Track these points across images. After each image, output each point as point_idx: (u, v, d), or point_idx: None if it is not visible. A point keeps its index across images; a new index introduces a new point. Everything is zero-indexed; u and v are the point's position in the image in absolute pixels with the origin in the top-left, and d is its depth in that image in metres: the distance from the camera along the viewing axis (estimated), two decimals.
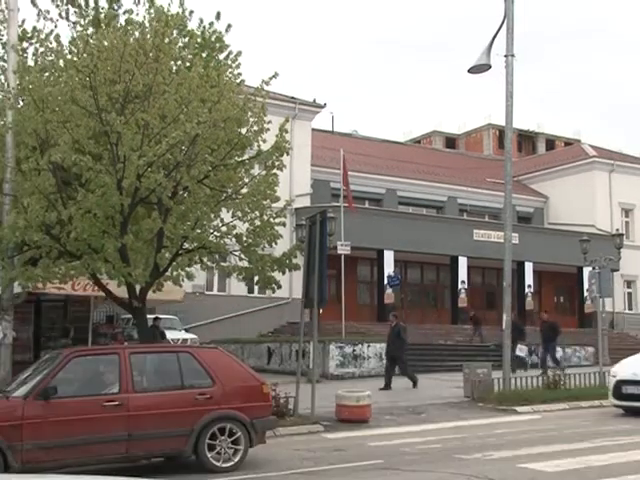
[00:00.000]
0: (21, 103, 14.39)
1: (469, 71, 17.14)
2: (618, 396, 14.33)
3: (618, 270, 33.87)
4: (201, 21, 14.75)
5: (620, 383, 14.33)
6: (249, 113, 14.04)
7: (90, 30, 14.12)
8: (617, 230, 35.38)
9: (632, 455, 9.61)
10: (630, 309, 41.73)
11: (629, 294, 42.32)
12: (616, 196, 41.97)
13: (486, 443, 11.10)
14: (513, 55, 17.02)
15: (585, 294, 35.28)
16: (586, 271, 30.42)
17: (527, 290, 36.81)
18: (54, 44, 13.79)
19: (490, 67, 16.73)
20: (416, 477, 8.89)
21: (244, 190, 14.32)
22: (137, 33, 13.49)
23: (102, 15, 14.21)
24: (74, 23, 14.15)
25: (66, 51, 13.84)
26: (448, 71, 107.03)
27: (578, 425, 12.92)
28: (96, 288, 15.74)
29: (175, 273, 14.62)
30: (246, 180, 14.45)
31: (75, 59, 13.38)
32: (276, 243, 14.97)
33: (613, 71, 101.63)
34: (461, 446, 10.92)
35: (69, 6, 14.10)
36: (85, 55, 12.85)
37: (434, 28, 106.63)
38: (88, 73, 12.54)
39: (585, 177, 42.28)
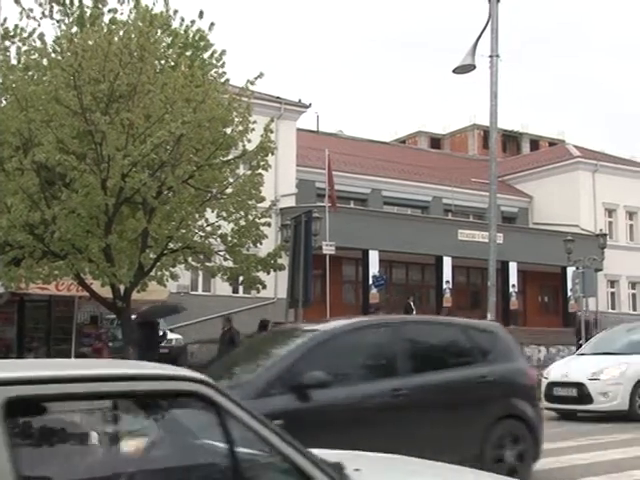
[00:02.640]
0: (4, 102, 14.32)
1: (454, 71, 17.18)
2: (549, 398, 13.88)
3: (601, 270, 34.12)
4: (182, 20, 14.74)
5: (551, 385, 13.94)
6: (234, 113, 14.05)
7: (74, 29, 14.07)
8: (601, 230, 35.61)
9: (612, 454, 9.67)
10: (613, 308, 41.99)
11: (612, 294, 42.59)
12: (600, 196, 42.22)
13: None
14: (498, 55, 17.07)
15: (569, 294, 35.47)
16: (570, 271, 30.61)
17: (511, 290, 36.94)
18: (38, 43, 13.73)
19: (475, 67, 16.78)
20: None
21: (229, 190, 14.32)
22: (121, 32, 13.46)
23: (87, 14, 14.16)
24: (58, 22, 14.11)
25: (50, 50, 13.79)
26: (433, 71, 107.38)
27: (561, 424, 12.99)
28: (80, 288, 15.69)
29: (159, 273, 14.59)
30: (231, 180, 14.46)
31: (59, 58, 13.34)
32: (261, 243, 14.98)
33: (596, 71, 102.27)
34: None
35: (53, 4, 14.03)
36: (69, 54, 12.81)
37: (419, 28, 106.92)
38: (72, 72, 12.50)
39: (569, 177, 42.50)
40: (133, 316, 17.72)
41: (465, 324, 8.61)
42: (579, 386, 13.43)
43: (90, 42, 12.75)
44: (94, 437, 2.96)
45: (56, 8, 14.11)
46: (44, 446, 2.71)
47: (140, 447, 3.04)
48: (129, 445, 3.05)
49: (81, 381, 2.70)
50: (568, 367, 14.38)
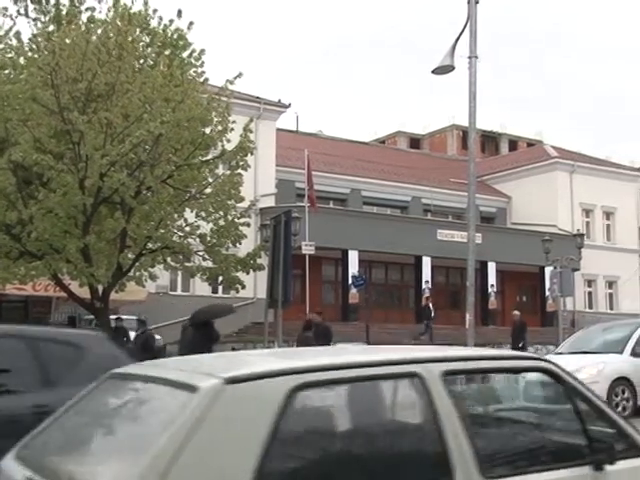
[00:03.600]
0: None
1: (433, 72, 17.20)
2: None
3: (579, 269, 34.35)
4: (161, 19, 14.64)
5: None
6: (213, 113, 13.99)
7: (51, 27, 13.94)
8: (578, 230, 35.87)
9: None
10: (590, 308, 42.33)
11: (589, 293, 42.92)
12: (577, 196, 42.54)
13: None
14: (476, 57, 17.10)
15: (547, 293, 35.69)
16: (548, 270, 30.81)
17: (490, 290, 37.14)
18: (14, 41, 13.60)
19: (454, 68, 16.81)
20: None
21: (208, 190, 14.27)
22: (99, 31, 13.37)
23: (63, 12, 14.04)
24: (34, 20, 13.96)
25: (27, 48, 13.66)
26: (413, 72, 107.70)
27: None
28: (58, 289, 15.56)
29: (138, 273, 14.50)
30: (210, 180, 14.40)
31: (36, 56, 13.22)
32: (240, 243, 14.94)
33: (573, 73, 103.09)
34: None
35: (28, 2, 13.89)
36: (46, 53, 12.70)
37: (399, 28, 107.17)
38: (49, 71, 12.40)
39: (547, 178, 42.78)
40: (112, 316, 17.60)
41: (30, 334, 6.44)
42: None
43: (67, 41, 12.64)
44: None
45: (32, 6, 13.96)
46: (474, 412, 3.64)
47: None
48: None
49: (478, 360, 3.70)
50: None
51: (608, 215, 44.22)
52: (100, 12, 14.31)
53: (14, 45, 13.57)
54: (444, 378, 3.26)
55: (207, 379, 3.05)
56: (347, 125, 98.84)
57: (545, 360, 3.68)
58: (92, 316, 18.10)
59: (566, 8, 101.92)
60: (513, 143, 60.48)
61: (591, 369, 13.46)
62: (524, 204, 43.54)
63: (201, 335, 15.52)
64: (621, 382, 13.39)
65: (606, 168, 44.76)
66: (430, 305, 30.88)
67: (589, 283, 42.77)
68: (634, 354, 13.91)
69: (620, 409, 13.22)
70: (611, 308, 43.18)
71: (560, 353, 15.18)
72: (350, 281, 32.13)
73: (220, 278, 15.26)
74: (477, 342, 21.35)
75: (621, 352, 13.94)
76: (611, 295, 43.89)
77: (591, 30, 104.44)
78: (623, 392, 13.37)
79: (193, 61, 15.06)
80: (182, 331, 18.02)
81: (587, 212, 43.44)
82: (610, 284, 43.74)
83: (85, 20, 14.14)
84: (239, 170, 14.42)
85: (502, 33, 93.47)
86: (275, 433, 2.88)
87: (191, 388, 3.03)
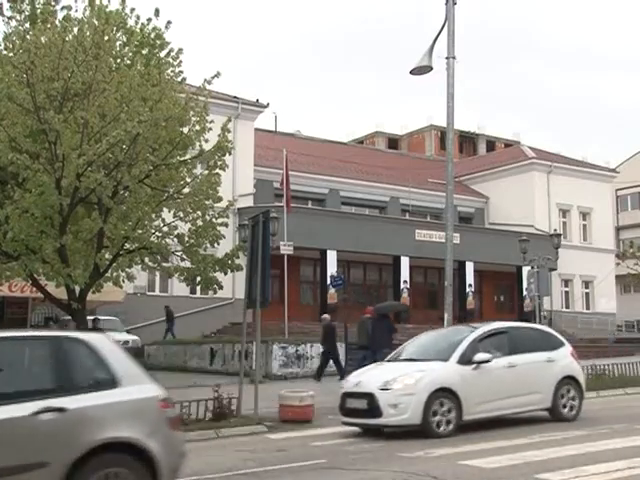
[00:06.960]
0: None
1: (411, 72, 17.26)
2: (343, 411, 12.25)
3: (556, 269, 34.63)
4: (138, 18, 14.56)
5: (345, 396, 12.21)
6: (191, 112, 13.96)
7: (26, 26, 13.82)
8: (555, 230, 36.11)
9: (566, 450, 9.80)
10: (567, 307, 42.66)
11: (566, 293, 43.25)
12: (554, 197, 42.85)
13: (428, 440, 11.19)
14: (454, 57, 17.19)
15: (524, 293, 35.93)
16: (525, 270, 31.02)
17: (468, 289, 37.31)
18: None
19: (432, 69, 16.88)
20: (359, 476, 8.92)
21: (186, 190, 14.22)
22: (76, 30, 13.28)
23: (38, 11, 13.92)
24: (9, 18, 13.84)
25: (1, 47, 13.55)
26: (391, 72, 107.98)
27: (517, 422, 13.14)
28: (34, 289, 15.43)
29: (115, 274, 14.41)
30: (188, 180, 14.36)
31: (11, 55, 13.11)
32: (218, 243, 14.90)
33: (550, 75, 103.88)
34: (404, 444, 11.00)
35: (3, 1, 13.78)
36: (22, 51, 12.60)
37: (377, 28, 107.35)
38: (25, 70, 12.31)
39: (524, 178, 43.07)
40: (90, 317, 17.47)
41: None
42: (369, 397, 11.64)
43: (43, 39, 12.55)
44: None
45: (6, 5, 13.83)
46: None
47: None
48: None
49: None
50: (366, 375, 12.59)
51: (584, 215, 44.60)
52: (76, 11, 14.21)
53: None
54: None
55: None
56: (325, 125, 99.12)
57: None
58: (69, 317, 17.99)
59: (543, 10, 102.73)
60: (491, 144, 60.84)
61: (408, 379, 11.58)
62: (502, 204, 43.80)
63: (381, 325, 16.36)
64: (443, 394, 11.44)
65: (582, 169, 45.15)
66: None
67: (566, 283, 43.11)
68: (462, 362, 11.84)
69: (443, 426, 11.35)
70: (587, 308, 43.57)
71: (396, 360, 13.12)
72: (329, 281, 32.15)
73: (198, 278, 15.19)
74: None
75: (447, 359, 11.88)
76: (587, 295, 44.27)
77: (570, 32, 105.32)
78: (443, 405, 11.38)
79: (171, 60, 15.00)
80: (360, 323, 20.46)
81: (564, 212, 43.78)
82: (586, 284, 44.11)
83: (61, 19, 14.03)
84: (217, 170, 14.39)
85: (479, 34, 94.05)
86: None
87: None
